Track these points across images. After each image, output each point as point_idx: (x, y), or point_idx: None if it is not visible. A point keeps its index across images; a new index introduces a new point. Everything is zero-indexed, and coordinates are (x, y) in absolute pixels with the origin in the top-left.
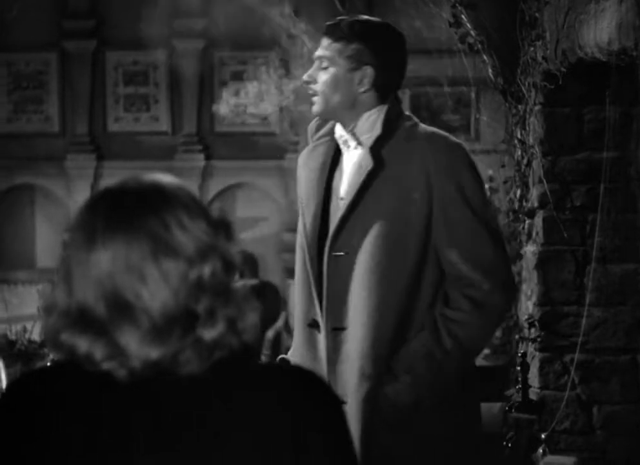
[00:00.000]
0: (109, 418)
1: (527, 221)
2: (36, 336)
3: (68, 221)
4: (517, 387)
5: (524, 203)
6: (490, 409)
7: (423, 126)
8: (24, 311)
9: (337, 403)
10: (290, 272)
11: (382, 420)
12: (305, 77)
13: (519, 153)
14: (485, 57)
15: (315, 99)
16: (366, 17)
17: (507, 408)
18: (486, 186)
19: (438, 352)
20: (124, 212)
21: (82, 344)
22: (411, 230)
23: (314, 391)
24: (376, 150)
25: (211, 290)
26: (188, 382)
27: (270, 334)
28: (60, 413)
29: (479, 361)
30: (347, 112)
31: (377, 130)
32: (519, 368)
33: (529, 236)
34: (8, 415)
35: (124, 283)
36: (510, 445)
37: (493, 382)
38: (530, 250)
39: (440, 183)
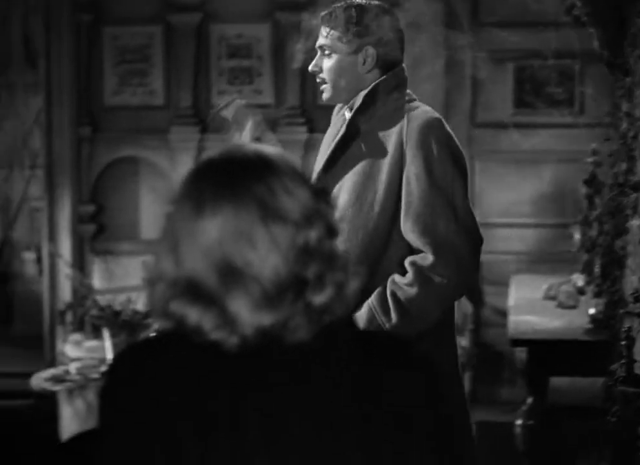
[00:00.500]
0: (217, 388)
1: (632, 195)
2: (140, 306)
3: (171, 193)
4: (622, 361)
5: (630, 177)
6: (593, 383)
7: (415, 103)
8: (129, 282)
9: (438, 374)
10: None
11: None
12: (311, 67)
13: (625, 126)
14: (591, 29)
15: (323, 86)
16: (362, 1)
17: (611, 382)
18: (590, 159)
19: (380, 315)
20: (231, 179)
21: (192, 314)
22: (381, 193)
23: (417, 364)
24: (354, 120)
25: (319, 255)
26: (295, 350)
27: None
28: (168, 384)
29: (582, 336)
30: (355, 94)
31: (358, 103)
32: (623, 343)
33: (634, 210)
34: (117, 386)
35: (234, 250)
36: (614, 419)
37: (596, 357)
38: (635, 224)
39: (411, 155)
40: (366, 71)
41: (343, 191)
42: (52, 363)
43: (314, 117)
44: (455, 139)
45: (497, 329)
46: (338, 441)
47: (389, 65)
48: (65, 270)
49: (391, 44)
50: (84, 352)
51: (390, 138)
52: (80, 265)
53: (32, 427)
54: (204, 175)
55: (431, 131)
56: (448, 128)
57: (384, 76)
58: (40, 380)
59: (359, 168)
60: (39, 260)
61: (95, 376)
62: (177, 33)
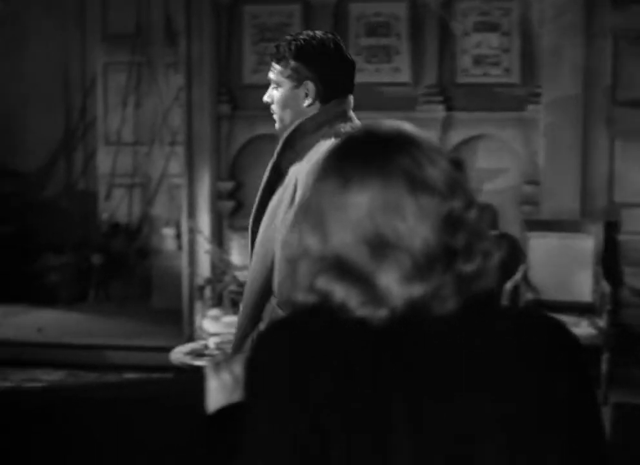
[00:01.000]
0: (362, 363)
1: None
2: None
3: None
4: None
5: None
6: None
7: (334, 129)
8: None
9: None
10: (530, 225)
11: None
12: (265, 98)
13: None
14: None
15: (274, 117)
16: (306, 34)
17: None
18: None
19: None
20: (377, 153)
21: (339, 291)
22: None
23: (566, 342)
24: (277, 163)
25: (464, 224)
26: (443, 321)
27: (509, 286)
28: (313, 359)
29: None
30: None
31: (279, 145)
32: None
33: None
34: (263, 360)
35: (384, 222)
36: None
37: None
38: None
39: (287, 191)
40: (307, 105)
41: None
42: (191, 337)
43: (452, 95)
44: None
45: (635, 309)
46: (483, 419)
47: (331, 99)
48: (204, 246)
49: (331, 79)
50: (222, 327)
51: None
52: (218, 240)
53: (177, 401)
54: (348, 152)
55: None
56: None
57: (312, 114)
58: (180, 354)
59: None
60: (178, 236)
61: None
62: (315, 11)
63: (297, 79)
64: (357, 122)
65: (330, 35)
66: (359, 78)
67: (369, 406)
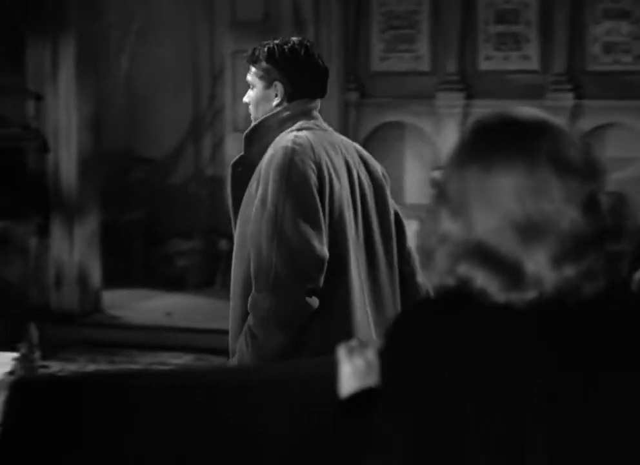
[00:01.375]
0: (504, 347)
1: None
2: None
3: (436, 159)
4: None
5: None
6: None
7: (291, 134)
8: None
9: None
10: None
11: None
12: (244, 98)
13: None
14: None
15: (251, 117)
16: (281, 39)
17: None
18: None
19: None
20: (519, 136)
21: (480, 276)
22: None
23: None
24: (241, 158)
25: (608, 205)
26: (589, 304)
27: (638, 276)
28: (453, 343)
29: None
30: None
31: (243, 142)
32: None
33: None
34: (400, 344)
35: (531, 205)
36: None
37: None
38: None
39: (255, 185)
40: (275, 104)
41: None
42: None
43: (582, 83)
44: (305, 158)
45: None
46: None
47: (300, 99)
48: None
49: (299, 80)
50: None
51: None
52: None
53: (309, 385)
54: (487, 137)
55: (273, 159)
56: (293, 151)
57: (273, 111)
58: None
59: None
60: None
61: None
62: None
63: (268, 80)
64: (322, 123)
65: (304, 42)
66: (488, 66)
67: (510, 393)
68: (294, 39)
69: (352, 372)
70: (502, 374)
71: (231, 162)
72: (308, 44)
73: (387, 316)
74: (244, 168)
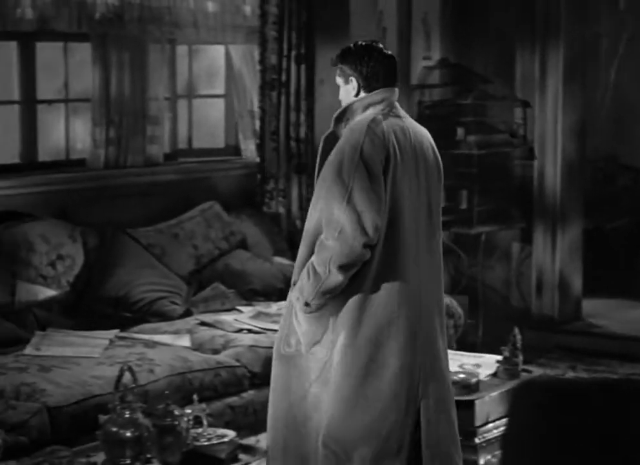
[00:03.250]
0: None
1: None
2: None
3: None
4: None
5: None
6: None
7: (365, 115)
8: None
9: None
10: None
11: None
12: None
13: None
14: None
15: None
16: (353, 43)
17: None
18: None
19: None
20: None
21: None
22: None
23: None
24: (327, 137)
25: None
26: None
27: None
28: None
29: None
30: None
31: (332, 123)
32: None
33: None
34: None
35: None
36: None
37: None
38: None
39: (333, 154)
40: (353, 95)
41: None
42: None
43: None
44: (376, 139)
45: None
46: None
47: (372, 90)
48: None
49: (369, 75)
50: None
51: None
52: None
53: None
54: None
55: (350, 133)
56: (367, 131)
57: (360, 97)
58: None
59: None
60: None
61: None
62: None
63: (345, 77)
64: (399, 110)
65: (372, 43)
66: None
67: None
68: (363, 41)
69: None
70: None
71: (323, 136)
72: (374, 44)
73: (436, 290)
74: (332, 142)
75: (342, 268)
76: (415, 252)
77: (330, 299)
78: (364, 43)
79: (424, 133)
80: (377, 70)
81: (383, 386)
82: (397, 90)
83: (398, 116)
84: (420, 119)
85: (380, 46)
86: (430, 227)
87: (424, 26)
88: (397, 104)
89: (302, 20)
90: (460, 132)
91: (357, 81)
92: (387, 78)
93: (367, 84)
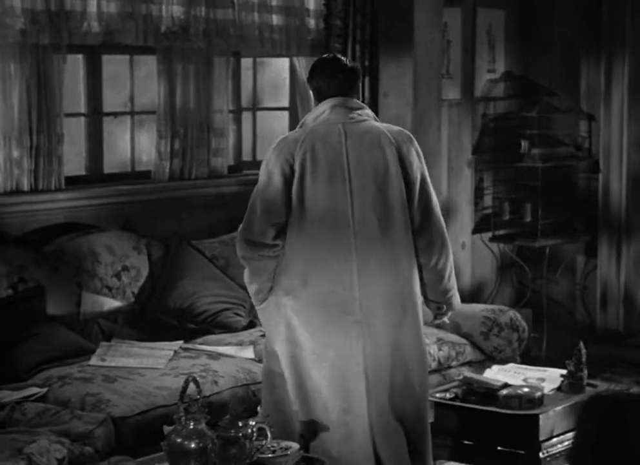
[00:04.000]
0: None
1: None
2: None
3: None
4: None
5: None
6: None
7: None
8: None
9: None
10: None
11: None
12: None
13: None
14: None
15: None
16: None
17: None
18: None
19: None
20: None
21: None
22: None
23: None
24: None
25: None
26: None
27: None
28: None
29: None
30: None
31: None
32: None
33: None
34: None
35: None
36: None
37: None
38: None
39: None
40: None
41: None
42: None
43: None
44: (280, 152)
45: None
46: None
47: (322, 99)
48: None
49: (317, 87)
50: None
51: None
52: None
53: None
54: None
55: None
56: (274, 147)
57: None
58: None
59: None
60: None
61: None
62: None
63: (309, 85)
64: (346, 116)
65: (321, 58)
66: None
67: None
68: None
69: None
70: None
71: None
72: (322, 58)
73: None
74: None
75: (243, 258)
76: (347, 252)
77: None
78: (323, 56)
79: (374, 135)
80: (321, 85)
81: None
82: (342, 98)
83: (335, 123)
84: (484, 132)
85: (328, 59)
86: (380, 223)
87: (489, 38)
88: (341, 110)
89: (366, 33)
90: (524, 144)
91: (312, 92)
92: (334, 90)
93: (317, 95)
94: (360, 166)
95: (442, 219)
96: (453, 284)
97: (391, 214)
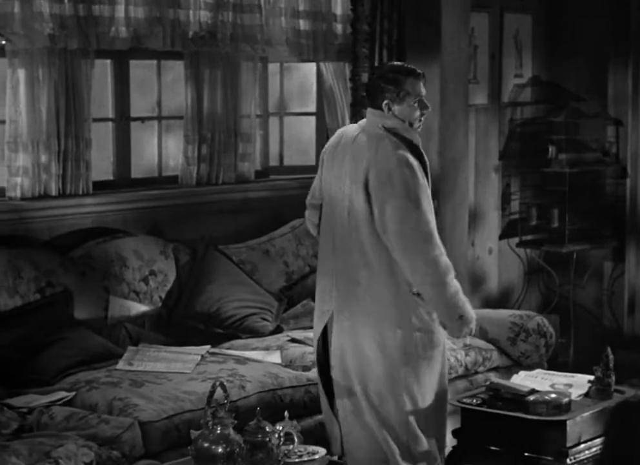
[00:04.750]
0: None
1: None
2: None
3: None
4: None
5: None
6: None
7: None
8: None
9: None
10: None
11: None
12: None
13: None
14: None
15: None
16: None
17: None
18: None
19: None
20: None
21: None
22: None
23: None
24: None
25: None
26: None
27: None
28: None
29: None
30: None
31: None
32: None
33: None
34: None
35: None
36: None
37: None
38: None
39: None
40: None
41: None
42: None
43: None
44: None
45: None
46: None
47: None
48: None
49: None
50: None
51: None
52: None
53: None
54: None
55: None
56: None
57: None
58: None
59: None
60: None
61: None
62: None
63: None
64: (362, 123)
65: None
66: None
67: None
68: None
69: None
70: None
71: None
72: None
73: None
74: None
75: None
76: (332, 245)
77: None
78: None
79: (363, 142)
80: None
81: None
82: (368, 109)
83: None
84: (511, 137)
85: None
86: (348, 225)
87: (516, 43)
88: (365, 119)
89: (393, 38)
90: (551, 150)
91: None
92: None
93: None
94: (351, 171)
95: (419, 245)
96: (444, 311)
97: (354, 221)
